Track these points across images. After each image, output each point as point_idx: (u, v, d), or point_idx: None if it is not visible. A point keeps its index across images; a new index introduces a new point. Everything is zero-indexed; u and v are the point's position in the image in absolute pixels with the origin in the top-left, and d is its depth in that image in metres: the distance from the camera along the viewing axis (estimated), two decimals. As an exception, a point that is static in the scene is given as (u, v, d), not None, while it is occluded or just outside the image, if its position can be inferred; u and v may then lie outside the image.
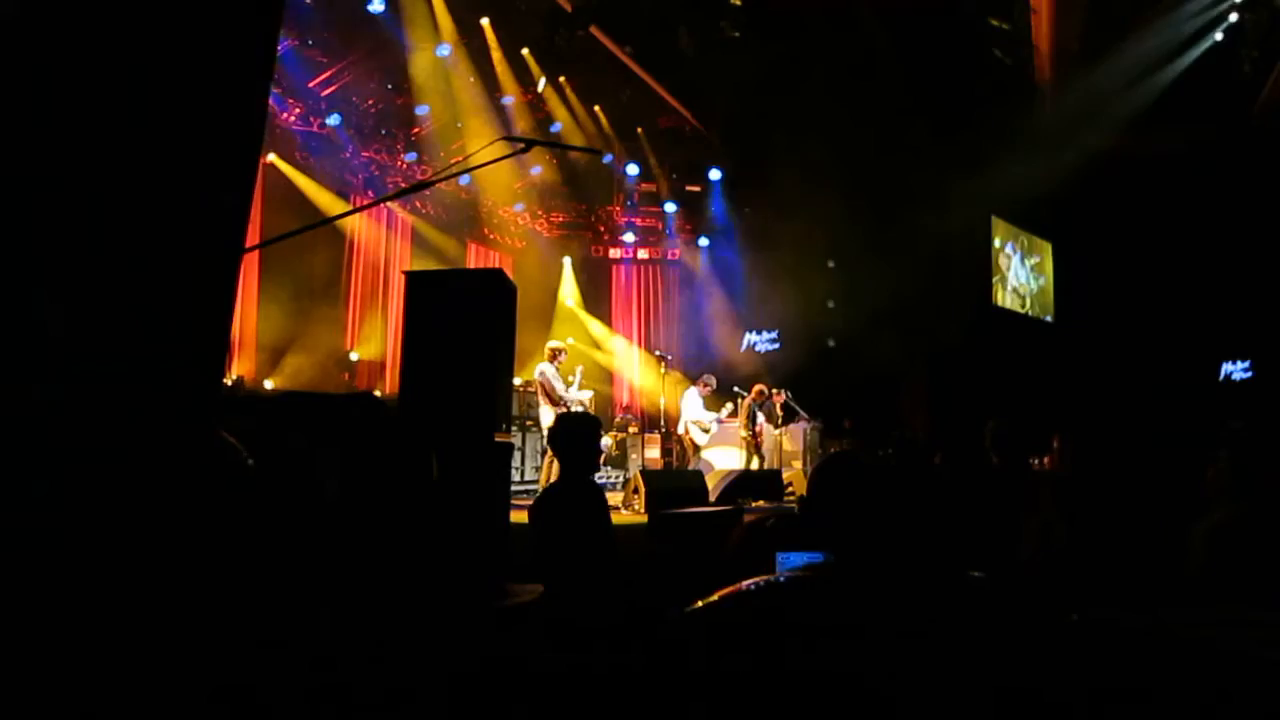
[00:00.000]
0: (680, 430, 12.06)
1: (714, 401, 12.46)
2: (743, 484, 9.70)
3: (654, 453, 14.40)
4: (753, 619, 1.67)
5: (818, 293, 16.26)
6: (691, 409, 11.87)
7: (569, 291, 17.95)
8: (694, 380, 12.26)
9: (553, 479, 7.81)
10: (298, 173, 12.90)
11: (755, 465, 12.39)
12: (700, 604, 1.72)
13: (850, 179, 14.54)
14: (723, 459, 13.21)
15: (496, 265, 15.89)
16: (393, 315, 14.00)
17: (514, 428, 11.81)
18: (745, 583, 1.77)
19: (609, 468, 13.82)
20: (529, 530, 3.72)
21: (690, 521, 6.73)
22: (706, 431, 11.88)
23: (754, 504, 9.67)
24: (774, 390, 13.45)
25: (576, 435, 3.90)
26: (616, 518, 8.65)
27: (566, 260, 17.95)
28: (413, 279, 5.84)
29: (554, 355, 10.04)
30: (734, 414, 12.52)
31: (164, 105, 1.75)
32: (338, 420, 4.93)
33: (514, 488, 11.02)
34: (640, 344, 18.23)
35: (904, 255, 14.08)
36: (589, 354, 16.57)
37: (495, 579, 4.65)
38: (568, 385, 10.24)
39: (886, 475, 1.97)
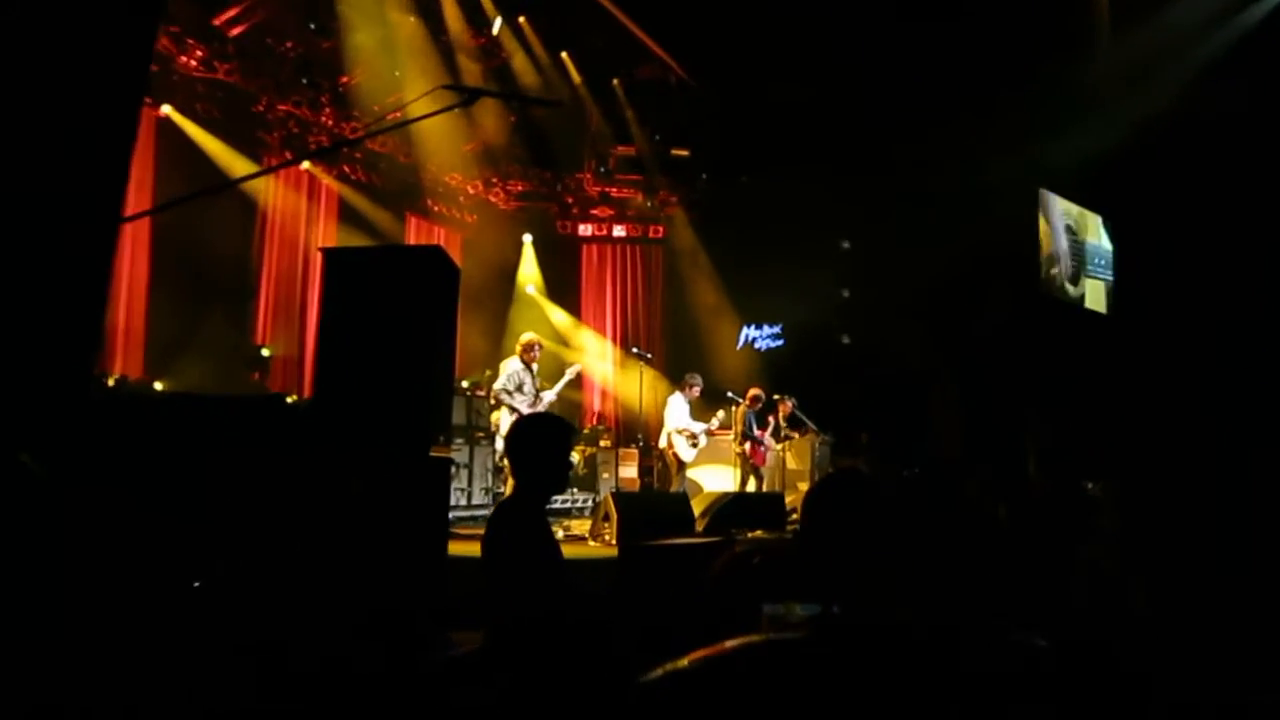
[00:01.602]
0: (662, 443, 12.03)
1: (703, 409, 12.44)
2: (736, 509, 9.68)
3: (630, 471, 14.37)
4: (726, 697, 1.58)
5: (829, 279, 16.29)
6: (675, 417, 11.84)
7: (529, 276, 17.91)
8: (678, 383, 12.24)
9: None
10: (199, 129, 12.73)
11: (752, 486, 12.35)
12: (666, 669, 1.63)
13: (869, 142, 14.52)
14: (713, 479, 13.16)
15: (440, 243, 15.80)
16: (313, 304, 13.86)
17: (459, 440, 11.69)
18: (727, 644, 1.70)
19: (575, 489, 13.75)
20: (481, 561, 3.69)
21: (669, 556, 6.67)
22: (694, 445, 11.84)
23: (750, 534, 9.61)
24: (776, 396, 13.44)
25: (540, 439, 3.81)
26: (583, 550, 8.66)
27: (527, 238, 17.91)
28: (332, 258, 5.75)
29: (528, 350, 10.18)
30: (726, 424, 12.52)
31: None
32: (236, 428, 4.80)
33: (459, 514, 10.97)
34: (615, 340, 18.22)
35: (933, 234, 14.08)
36: (553, 351, 16.50)
37: (429, 626, 4.60)
38: (542, 388, 10.33)
39: (905, 503, 1.91)
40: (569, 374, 10.98)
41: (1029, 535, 3.86)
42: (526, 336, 10.41)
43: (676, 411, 11.87)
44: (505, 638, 3.41)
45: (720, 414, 12.26)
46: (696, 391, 12.03)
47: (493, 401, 12.79)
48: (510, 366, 10.15)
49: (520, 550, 3.58)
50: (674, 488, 11.66)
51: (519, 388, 10.04)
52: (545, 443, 3.82)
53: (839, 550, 1.80)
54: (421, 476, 5.31)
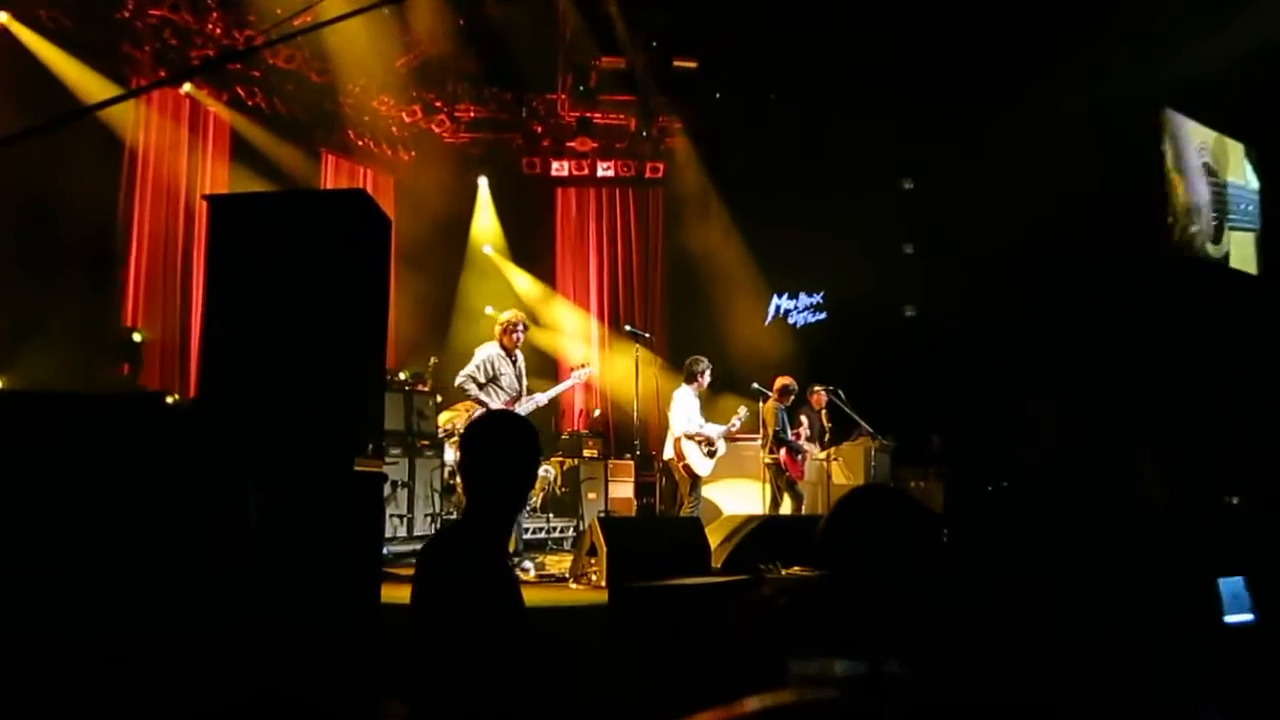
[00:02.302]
0: (666, 453, 12.00)
1: (718, 406, 12.42)
2: (766, 538, 9.64)
3: (624, 489, 14.35)
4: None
5: (887, 232, 16.30)
6: (684, 417, 11.81)
7: (486, 231, 17.91)
8: (687, 373, 12.15)
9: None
10: (44, 42, 12.67)
11: (788, 508, 12.34)
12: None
13: (940, 49, 14.47)
14: (734, 498, 13.17)
15: (366, 188, 15.75)
16: (200, 272, 13.79)
17: (395, 450, 11.68)
18: (746, 704, 1.72)
19: (552, 514, 13.75)
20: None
21: (676, 601, 6.70)
22: (709, 453, 11.83)
23: (784, 571, 9.61)
24: (816, 388, 13.41)
25: (497, 447, 3.78)
26: (562, 596, 8.69)
27: (482, 182, 17.88)
28: (221, 208, 5.79)
29: (510, 332, 10.25)
30: (752, 426, 12.55)
31: None
32: (97, 436, 4.80)
33: (397, 548, 10.97)
34: (601, 315, 18.25)
35: (1024, 171, 14.04)
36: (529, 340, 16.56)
37: (355, 688, 4.62)
38: (533, 389, 10.41)
39: (994, 527, 1.98)
40: (578, 377, 10.97)
41: (1148, 563, 3.85)
42: (508, 315, 10.45)
43: (685, 410, 11.84)
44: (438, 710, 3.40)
45: (742, 411, 12.23)
46: (706, 380, 12.00)
47: (438, 400, 12.81)
48: (484, 352, 10.21)
49: (466, 600, 3.51)
50: (683, 511, 11.65)
51: (493, 379, 10.07)
52: (504, 449, 3.77)
53: (878, 588, 1.81)
54: (344, 499, 5.33)
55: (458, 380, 10.17)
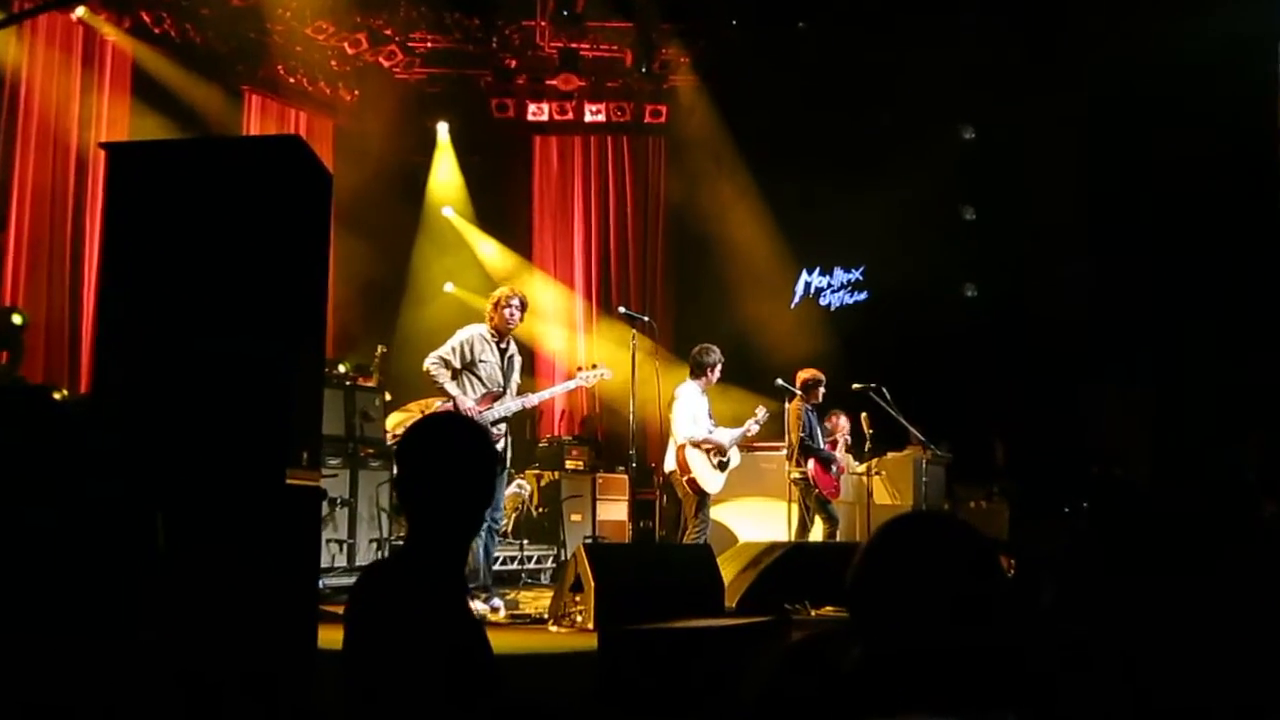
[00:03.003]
0: (668, 465, 11.97)
1: (729, 406, 12.39)
2: (793, 570, 9.70)
3: (616, 510, 14.35)
4: None
5: (942, 192, 16.28)
6: (689, 420, 11.77)
7: (446, 188, 17.90)
8: (694, 365, 12.10)
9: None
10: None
11: (819, 533, 12.33)
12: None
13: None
14: (754, 520, 13.15)
15: (300, 133, 15.69)
16: (94, 239, 13.79)
17: (334, 460, 11.63)
18: None
19: (526, 540, 13.72)
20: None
21: (682, 648, 6.70)
22: (720, 465, 11.81)
23: (816, 612, 9.62)
24: (856, 387, 13.33)
25: (436, 457, 3.75)
26: (540, 642, 8.63)
27: (441, 128, 17.86)
28: (121, 158, 5.78)
29: (502, 307, 10.22)
30: (782, 431, 12.53)
31: None
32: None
33: (337, 580, 10.94)
34: (589, 293, 18.25)
35: (1114, 117, 14.02)
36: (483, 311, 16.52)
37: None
38: (524, 389, 10.46)
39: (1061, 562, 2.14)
40: (586, 379, 10.91)
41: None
42: (501, 291, 10.44)
43: (690, 410, 11.79)
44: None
45: (760, 412, 12.21)
46: (717, 375, 11.96)
47: (387, 398, 12.78)
48: (466, 332, 10.21)
49: (403, 652, 3.48)
50: (688, 536, 11.64)
51: (470, 366, 10.05)
52: (444, 459, 3.74)
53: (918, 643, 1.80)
54: (272, 520, 5.30)
55: (426, 363, 10.14)
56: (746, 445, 12.19)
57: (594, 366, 11.53)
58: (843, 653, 2.46)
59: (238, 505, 5.09)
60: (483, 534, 9.79)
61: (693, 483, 11.70)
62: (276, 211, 5.55)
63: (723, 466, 11.87)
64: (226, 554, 4.93)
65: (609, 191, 18.58)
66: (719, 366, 11.91)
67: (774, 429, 12.49)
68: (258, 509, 5.19)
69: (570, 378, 12.07)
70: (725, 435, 11.88)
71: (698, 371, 11.92)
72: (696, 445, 11.73)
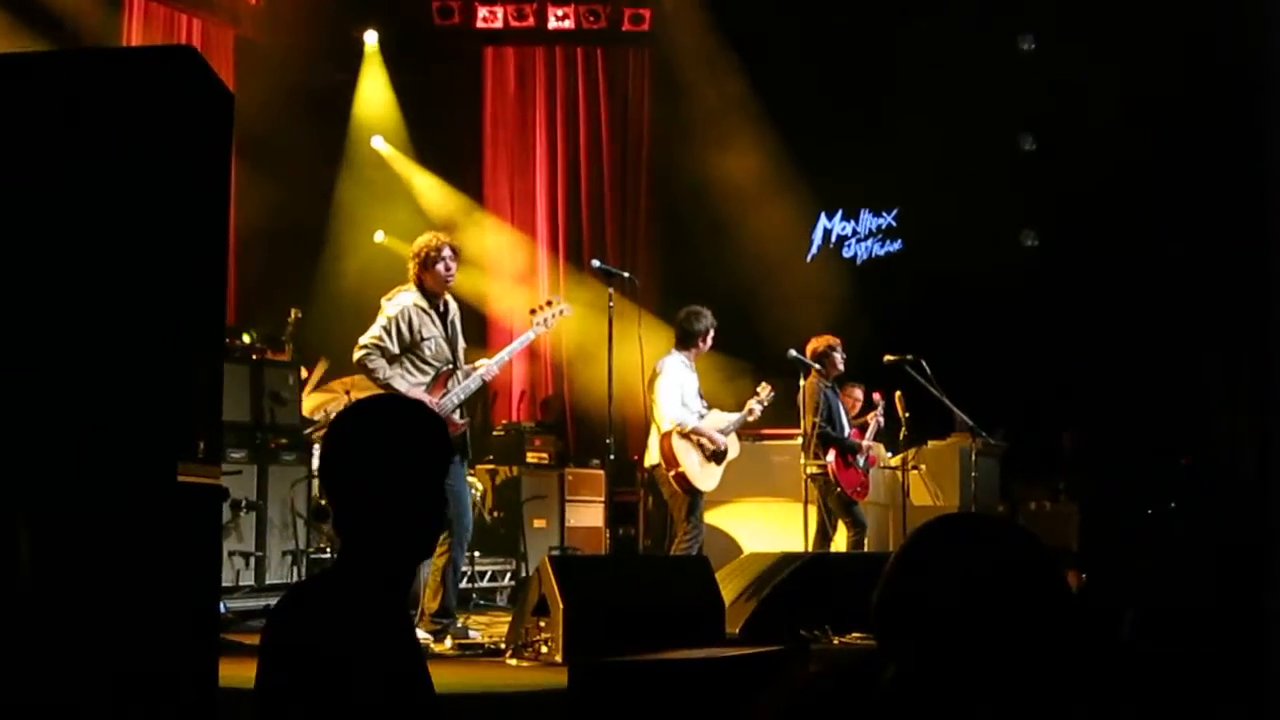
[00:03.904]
0: (650, 457, 11.99)
1: (724, 383, 12.44)
2: (811, 589, 9.78)
3: (590, 514, 14.39)
4: None
5: (994, 118, 16.36)
6: (674, 400, 11.77)
7: (376, 113, 17.93)
8: (680, 332, 12.10)
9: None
10: None
11: (843, 542, 12.37)
12: None
13: None
14: (762, 526, 13.20)
15: (193, 44, 15.66)
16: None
17: (238, 453, 11.64)
18: None
19: (478, 552, 13.73)
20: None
21: (671, 684, 6.72)
22: (714, 458, 11.85)
23: (839, 640, 9.62)
24: (888, 358, 13.33)
25: (376, 450, 3.78)
26: (497, 678, 8.70)
27: (369, 39, 17.85)
28: None
29: (429, 260, 10.16)
30: (797, 415, 12.61)
31: None
32: None
33: (242, 603, 11.02)
34: (554, 244, 18.36)
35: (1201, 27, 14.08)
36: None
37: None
38: (473, 360, 10.46)
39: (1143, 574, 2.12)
40: (543, 323, 10.75)
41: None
42: (426, 242, 10.36)
43: (676, 388, 11.83)
44: None
45: (763, 391, 12.24)
46: (708, 343, 11.95)
47: (303, 375, 12.78)
48: (396, 305, 10.10)
49: (338, 689, 3.53)
50: (678, 545, 11.73)
51: (411, 347, 10.05)
52: (396, 453, 3.77)
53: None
54: (161, 528, 5.29)
55: (357, 354, 10.04)
56: (750, 432, 12.20)
57: (548, 304, 11.24)
58: (871, 683, 2.51)
59: (117, 509, 5.10)
60: (450, 548, 9.79)
61: (681, 479, 11.76)
62: (162, 142, 5.51)
63: (718, 459, 11.91)
64: (103, 570, 4.94)
65: (579, 118, 18.64)
66: (711, 334, 11.91)
67: (787, 413, 12.52)
68: (141, 514, 5.19)
69: (525, 331, 11.78)
70: (721, 420, 11.92)
71: (686, 341, 11.97)
72: (685, 435, 11.76)
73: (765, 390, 12.18)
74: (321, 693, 3.43)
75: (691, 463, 11.74)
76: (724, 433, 11.88)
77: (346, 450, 3.70)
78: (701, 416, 11.81)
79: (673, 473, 11.74)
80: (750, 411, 12.05)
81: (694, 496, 11.80)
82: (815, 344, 12.61)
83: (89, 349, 5.29)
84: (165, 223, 5.49)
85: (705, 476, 11.82)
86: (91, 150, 5.44)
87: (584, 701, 6.72)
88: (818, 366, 12.47)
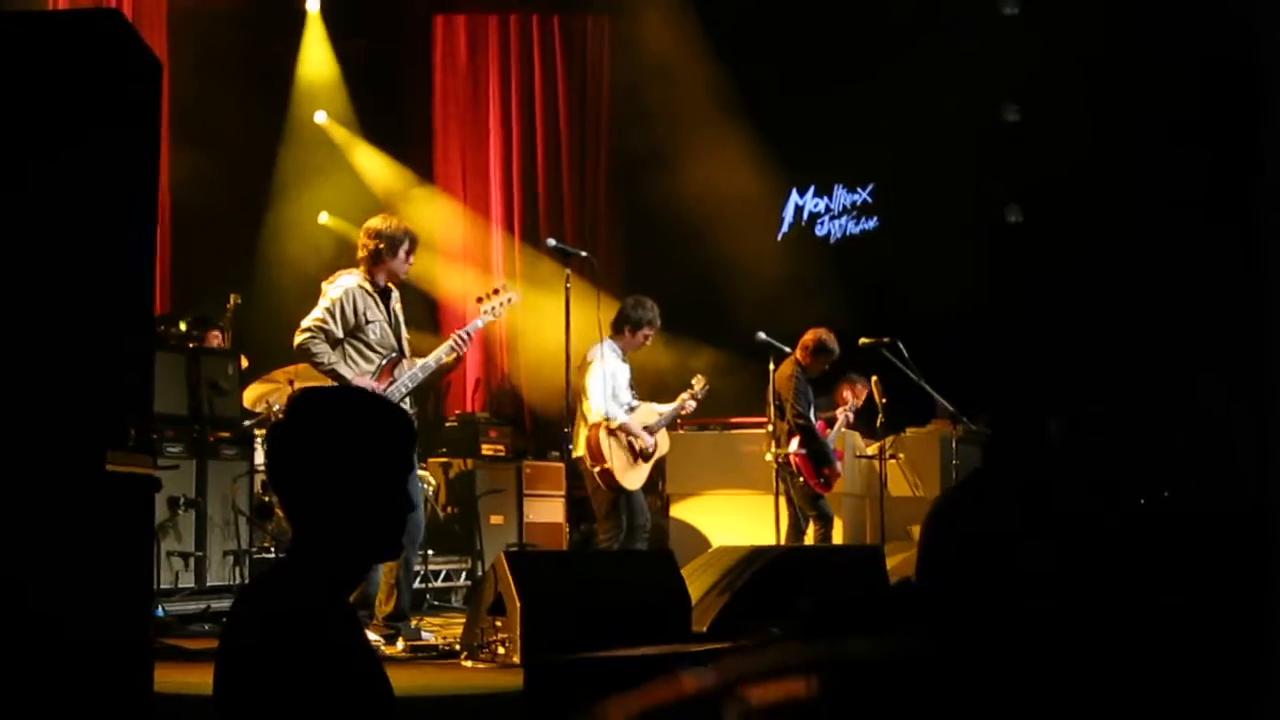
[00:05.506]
0: (577, 448, 11.97)
1: (683, 369, 12.45)
2: (783, 585, 9.73)
3: (549, 510, 14.38)
4: None
5: (977, 85, 16.38)
6: (602, 391, 11.77)
7: (318, 84, 17.90)
8: (619, 319, 12.25)
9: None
10: None
11: (813, 535, 12.38)
12: None
13: None
14: (730, 519, 13.22)
15: (121, 8, 15.62)
16: None
17: (174, 446, 11.60)
18: None
19: (431, 550, 13.71)
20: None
21: (633, 683, 6.68)
22: (638, 455, 11.89)
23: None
24: (865, 342, 13.34)
25: (330, 442, 3.74)
26: (452, 680, 8.70)
27: (311, 4, 17.76)
28: None
29: (385, 249, 10.18)
30: (768, 401, 12.62)
31: None
32: None
33: (180, 606, 10.99)
34: (509, 223, 18.39)
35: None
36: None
37: None
38: (420, 354, 10.45)
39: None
40: (491, 311, 10.71)
41: None
42: (386, 225, 10.39)
43: (605, 381, 11.94)
44: None
45: (696, 384, 12.29)
46: (645, 338, 11.98)
47: (244, 364, 12.76)
48: (339, 287, 10.12)
49: (298, 694, 3.51)
50: (598, 544, 11.84)
51: (355, 331, 10.04)
52: (351, 449, 3.73)
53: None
54: (87, 524, 5.25)
55: (299, 338, 10.01)
56: (717, 421, 12.22)
57: (496, 292, 11.19)
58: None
59: (38, 500, 5.07)
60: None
61: (606, 475, 11.89)
62: (85, 113, 5.52)
63: (645, 457, 11.97)
64: (24, 566, 4.92)
65: (534, 88, 18.63)
66: (651, 332, 11.97)
67: (754, 400, 12.52)
68: (66, 505, 5.17)
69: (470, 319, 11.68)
70: (650, 416, 12.01)
71: (621, 327, 12.11)
72: (608, 429, 11.80)
73: (699, 383, 12.27)
74: (281, 693, 3.41)
75: (617, 460, 11.81)
76: (653, 430, 11.94)
77: (301, 445, 3.67)
78: (631, 409, 11.84)
79: (597, 468, 11.86)
80: (683, 405, 12.09)
81: (617, 494, 11.91)
82: (811, 336, 12.62)
83: (15, 339, 5.27)
84: (87, 199, 5.47)
85: (631, 475, 11.93)
86: (22, 123, 5.42)
87: (540, 701, 6.72)
88: (798, 356, 12.44)
